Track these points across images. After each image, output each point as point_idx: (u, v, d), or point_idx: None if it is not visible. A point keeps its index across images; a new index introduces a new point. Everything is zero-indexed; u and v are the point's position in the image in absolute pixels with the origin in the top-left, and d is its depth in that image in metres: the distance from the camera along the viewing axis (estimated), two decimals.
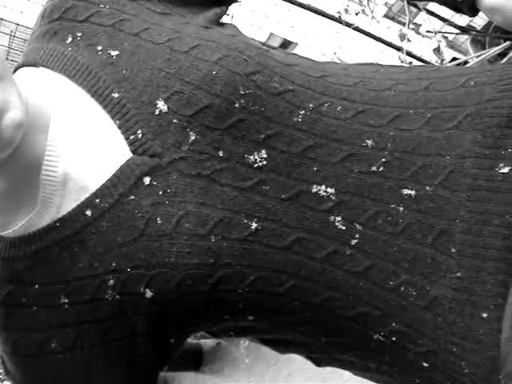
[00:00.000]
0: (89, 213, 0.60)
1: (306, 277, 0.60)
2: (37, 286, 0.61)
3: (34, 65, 0.67)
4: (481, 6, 0.69)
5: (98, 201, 0.60)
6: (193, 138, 0.60)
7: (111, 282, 0.59)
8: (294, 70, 0.65)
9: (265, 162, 0.61)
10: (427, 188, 0.60)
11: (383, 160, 0.61)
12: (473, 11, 0.71)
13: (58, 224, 0.60)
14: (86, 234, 0.60)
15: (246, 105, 0.61)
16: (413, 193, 0.60)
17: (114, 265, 0.59)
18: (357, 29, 2.83)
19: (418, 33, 2.51)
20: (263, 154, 0.61)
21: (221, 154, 0.60)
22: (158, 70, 0.61)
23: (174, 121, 0.60)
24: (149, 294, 0.59)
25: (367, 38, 3.00)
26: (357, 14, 2.79)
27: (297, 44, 10.69)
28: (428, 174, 0.60)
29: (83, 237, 0.60)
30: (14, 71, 0.69)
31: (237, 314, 0.63)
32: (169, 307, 0.60)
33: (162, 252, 0.58)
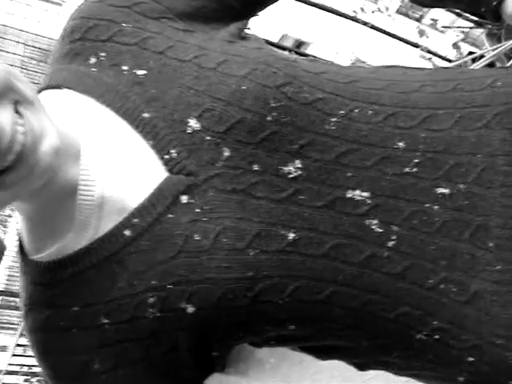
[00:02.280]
0: (127, 233, 0.60)
1: (344, 282, 0.60)
2: (75, 308, 0.61)
3: (58, 87, 0.66)
4: (505, 14, 0.70)
5: (136, 220, 0.60)
6: (227, 154, 0.60)
7: (151, 299, 0.59)
8: (323, 77, 0.65)
9: (299, 172, 0.61)
10: (461, 186, 0.61)
11: (416, 161, 0.61)
12: (496, 18, 0.72)
13: (95, 245, 0.60)
14: (125, 254, 0.60)
15: (278, 117, 0.61)
16: (447, 191, 0.60)
17: (153, 282, 0.59)
18: (373, 27, 2.82)
19: (436, 28, 2.50)
20: (297, 164, 0.61)
21: (255, 168, 0.60)
22: (187, 88, 0.61)
23: (207, 138, 0.60)
24: (190, 309, 0.59)
25: (383, 35, 2.98)
26: (373, 13, 2.78)
27: (310, 43, 10.68)
28: (461, 172, 0.61)
29: (122, 257, 0.60)
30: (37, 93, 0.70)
31: (278, 325, 0.63)
32: (210, 321, 0.61)
33: (201, 268, 0.58)
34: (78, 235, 0.61)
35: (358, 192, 0.60)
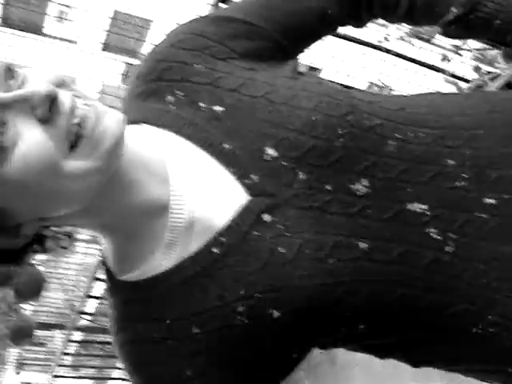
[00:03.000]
0: (216, 250, 0.66)
1: (411, 284, 0.67)
2: (168, 321, 0.67)
3: (135, 122, 0.72)
4: None
5: (223, 239, 0.66)
6: (301, 176, 0.68)
7: (240, 308, 0.65)
8: (376, 105, 0.73)
9: (366, 190, 0.68)
10: (505, 196, 0.69)
11: (464, 176, 0.70)
12: None
13: (186, 264, 0.67)
14: (214, 270, 0.66)
15: (344, 142, 0.68)
16: (493, 201, 0.68)
17: (242, 292, 0.65)
18: (397, 54, 2.87)
19: (458, 54, 2.56)
20: (364, 182, 0.68)
21: (328, 188, 0.68)
22: (262, 120, 0.69)
23: (284, 164, 0.68)
24: (276, 314, 0.65)
25: (402, 60, 3.04)
26: (397, 40, 2.85)
27: (321, 69, 10.79)
28: (504, 183, 0.69)
29: (211, 272, 0.66)
30: None
31: (351, 325, 0.70)
32: (294, 325, 0.67)
33: (286, 276, 0.65)
34: (166, 254, 0.67)
35: (417, 205, 0.68)
